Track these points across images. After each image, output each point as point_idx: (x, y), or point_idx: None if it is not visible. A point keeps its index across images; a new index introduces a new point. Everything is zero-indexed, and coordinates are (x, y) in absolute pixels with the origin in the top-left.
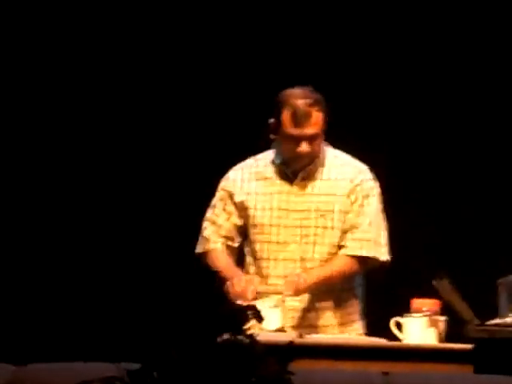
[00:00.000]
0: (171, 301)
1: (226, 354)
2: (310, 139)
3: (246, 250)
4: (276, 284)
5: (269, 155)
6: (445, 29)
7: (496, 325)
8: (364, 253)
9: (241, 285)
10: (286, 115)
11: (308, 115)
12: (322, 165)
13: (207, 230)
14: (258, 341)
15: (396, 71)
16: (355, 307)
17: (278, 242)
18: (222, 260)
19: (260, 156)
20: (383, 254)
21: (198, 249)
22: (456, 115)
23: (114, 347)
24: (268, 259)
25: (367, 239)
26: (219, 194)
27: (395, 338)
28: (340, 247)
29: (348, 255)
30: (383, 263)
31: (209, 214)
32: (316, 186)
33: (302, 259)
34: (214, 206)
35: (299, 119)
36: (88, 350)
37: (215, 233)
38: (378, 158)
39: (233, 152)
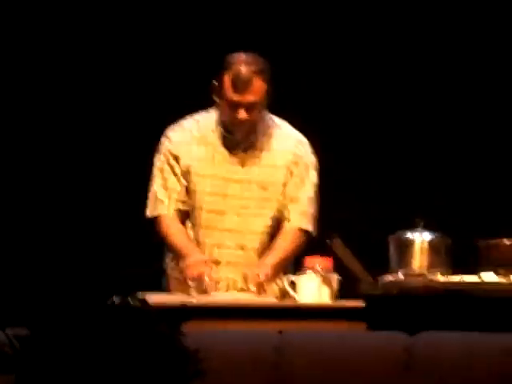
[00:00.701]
0: (62, 263)
1: (116, 316)
2: (249, 107)
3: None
4: (212, 253)
5: (210, 118)
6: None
7: (387, 281)
8: (308, 227)
9: (198, 268)
10: (227, 80)
11: (249, 82)
12: (265, 135)
13: (159, 193)
14: (148, 303)
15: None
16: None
17: (216, 211)
18: (175, 230)
19: (199, 117)
20: (310, 226)
21: (150, 212)
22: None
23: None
24: (206, 227)
25: (309, 213)
26: (165, 156)
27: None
28: (282, 220)
29: (295, 228)
30: (309, 234)
31: (157, 177)
32: (258, 157)
33: (239, 231)
34: (162, 170)
35: (239, 85)
36: None
37: (167, 196)
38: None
39: (168, 106)
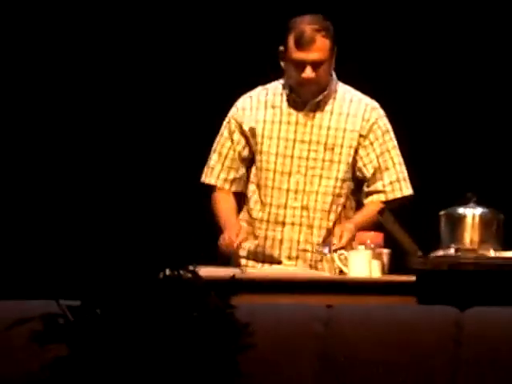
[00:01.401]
0: (113, 236)
1: (167, 289)
2: (315, 65)
3: (251, 177)
4: (276, 213)
5: (279, 84)
6: None
7: (438, 256)
8: (399, 194)
9: (230, 237)
10: (291, 39)
11: (312, 39)
12: (333, 98)
13: (212, 160)
14: (199, 276)
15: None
16: None
17: (282, 172)
18: (222, 205)
19: (269, 85)
20: (410, 188)
21: (203, 178)
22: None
23: (54, 284)
24: (272, 188)
25: (400, 179)
26: (227, 123)
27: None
28: (372, 192)
29: (383, 201)
30: (410, 197)
31: (215, 143)
32: (325, 119)
33: (306, 191)
34: (221, 135)
35: (303, 43)
36: (27, 287)
37: (220, 163)
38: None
39: (245, 81)
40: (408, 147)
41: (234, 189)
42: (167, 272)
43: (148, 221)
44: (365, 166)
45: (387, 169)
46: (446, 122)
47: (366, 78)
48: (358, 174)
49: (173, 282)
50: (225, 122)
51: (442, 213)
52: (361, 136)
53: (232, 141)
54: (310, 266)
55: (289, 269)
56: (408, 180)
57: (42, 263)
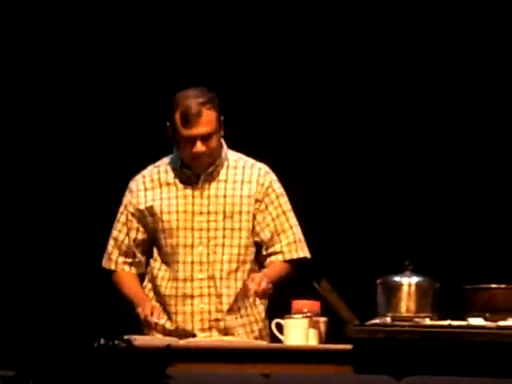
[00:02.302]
0: (47, 305)
1: (102, 359)
2: (205, 138)
3: (155, 255)
4: (183, 287)
5: (170, 160)
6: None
7: (374, 324)
8: (295, 255)
9: (147, 311)
10: (177, 116)
11: (198, 114)
12: (225, 166)
13: (109, 245)
14: (134, 345)
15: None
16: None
17: (185, 245)
18: (125, 284)
19: (159, 162)
20: (306, 251)
21: (103, 263)
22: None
23: None
24: (177, 262)
25: (296, 241)
26: (123, 209)
27: (278, 340)
28: (270, 254)
29: (284, 261)
30: (305, 259)
31: (113, 228)
32: (220, 188)
33: (210, 262)
34: (118, 221)
35: (190, 119)
36: None
37: (116, 249)
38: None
39: (138, 159)
40: (344, 214)
41: (133, 271)
42: (102, 341)
43: (82, 291)
44: (262, 230)
45: (284, 231)
46: (382, 189)
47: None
48: (256, 238)
49: (107, 351)
50: (121, 208)
51: (378, 281)
52: (257, 201)
53: (128, 228)
54: (226, 335)
55: (223, 338)
56: (304, 242)
57: None
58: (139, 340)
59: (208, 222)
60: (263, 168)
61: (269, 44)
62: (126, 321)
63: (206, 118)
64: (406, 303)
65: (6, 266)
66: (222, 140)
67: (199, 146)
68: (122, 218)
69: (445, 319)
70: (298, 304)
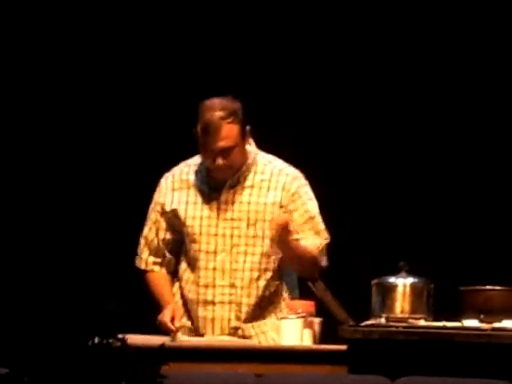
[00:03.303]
0: (42, 303)
1: (96, 357)
2: (225, 152)
3: (182, 256)
4: (205, 293)
5: (199, 160)
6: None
7: (369, 325)
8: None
9: (167, 317)
10: (199, 128)
11: (218, 128)
12: (253, 171)
13: (140, 244)
14: (129, 344)
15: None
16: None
17: (207, 251)
18: (153, 286)
19: (191, 161)
20: (324, 261)
21: (136, 262)
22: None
23: None
24: (199, 268)
25: (318, 249)
26: (153, 204)
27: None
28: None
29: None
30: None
31: (144, 226)
32: (245, 195)
33: (232, 269)
34: (149, 219)
35: (210, 133)
36: None
37: (146, 248)
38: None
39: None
40: (340, 215)
41: (163, 271)
42: (96, 340)
43: (78, 287)
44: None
45: (307, 239)
46: (378, 190)
47: (289, 145)
48: None
49: (102, 350)
50: (151, 205)
51: (373, 282)
52: (281, 207)
53: (157, 228)
54: None
55: (217, 337)
56: (324, 251)
57: None
58: (133, 339)
59: (232, 228)
60: (291, 173)
61: (282, 46)
62: (114, 317)
63: (227, 133)
64: (401, 304)
65: (1, 264)
66: (252, 143)
67: (219, 160)
68: (151, 216)
69: (440, 320)
70: (292, 304)
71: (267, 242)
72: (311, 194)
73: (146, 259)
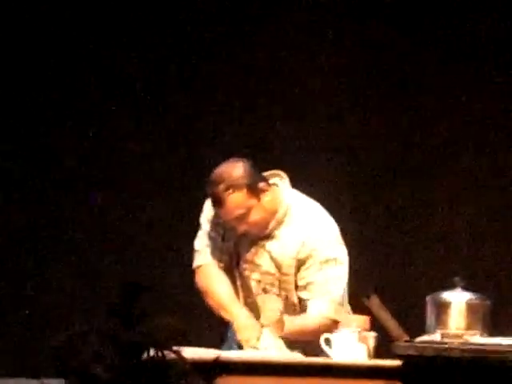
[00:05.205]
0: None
1: (151, 370)
2: (240, 220)
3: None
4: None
5: None
6: None
7: (424, 341)
8: (334, 316)
9: (247, 333)
10: (210, 199)
11: (223, 202)
12: (285, 223)
13: (197, 244)
14: (184, 357)
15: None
16: None
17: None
18: (216, 278)
19: None
20: (339, 315)
21: (194, 264)
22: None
23: (36, 363)
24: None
25: (333, 302)
26: (208, 211)
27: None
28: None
29: (319, 316)
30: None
31: (200, 230)
32: (269, 246)
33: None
34: (208, 221)
35: (218, 206)
36: (9, 365)
37: (206, 245)
38: None
39: None
40: (395, 230)
41: (222, 265)
42: (151, 352)
43: (133, 300)
44: (301, 289)
45: (322, 294)
46: (434, 205)
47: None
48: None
49: (156, 362)
50: (204, 210)
51: (428, 297)
52: (299, 260)
53: (216, 230)
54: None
55: (272, 352)
56: (341, 305)
57: (23, 341)
58: (187, 351)
59: (261, 275)
60: (314, 226)
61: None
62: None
63: (232, 204)
64: (456, 320)
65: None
66: (286, 181)
67: (240, 227)
68: (214, 219)
69: (496, 337)
70: (347, 318)
71: (284, 293)
72: (335, 252)
73: (205, 255)
